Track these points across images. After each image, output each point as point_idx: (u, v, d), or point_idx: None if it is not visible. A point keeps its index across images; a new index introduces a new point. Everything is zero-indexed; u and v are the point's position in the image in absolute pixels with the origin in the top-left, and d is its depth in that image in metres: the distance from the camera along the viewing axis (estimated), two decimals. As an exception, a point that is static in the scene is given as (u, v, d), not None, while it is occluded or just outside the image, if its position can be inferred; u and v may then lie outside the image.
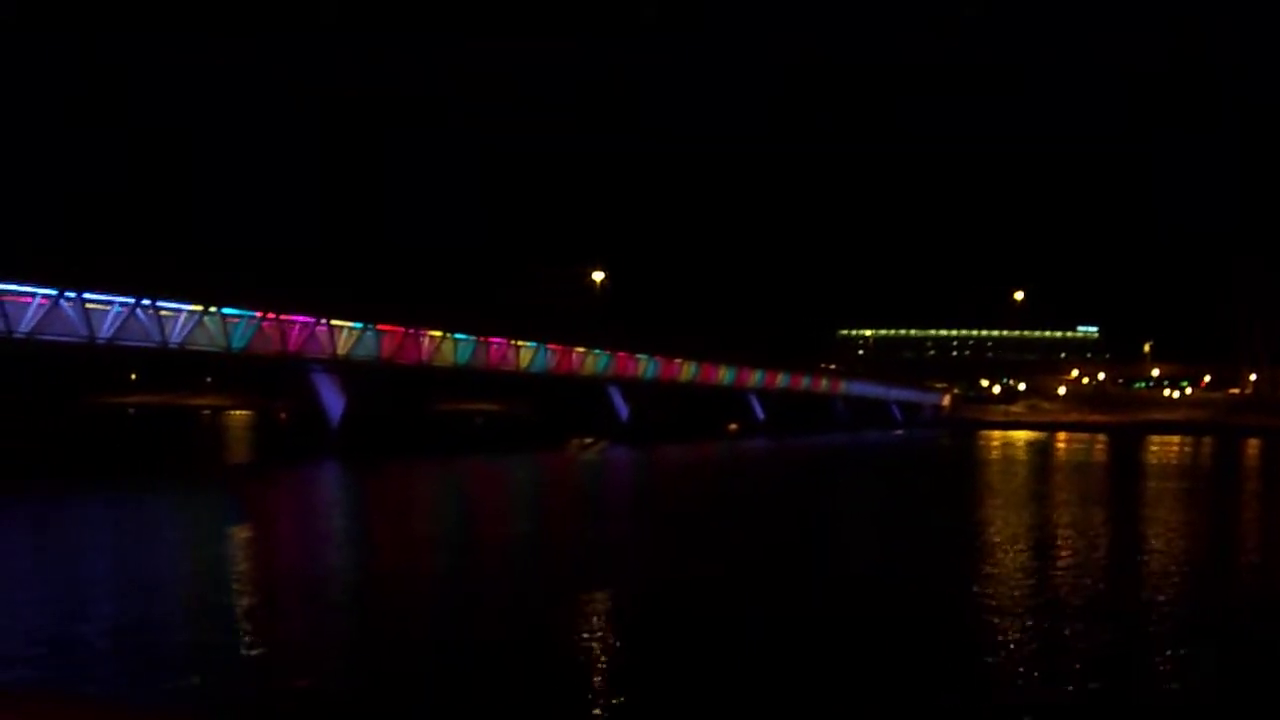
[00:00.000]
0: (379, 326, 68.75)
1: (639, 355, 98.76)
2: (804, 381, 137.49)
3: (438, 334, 74.79)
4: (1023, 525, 34.99)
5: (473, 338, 77.21)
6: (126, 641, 17.02)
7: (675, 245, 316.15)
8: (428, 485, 50.94)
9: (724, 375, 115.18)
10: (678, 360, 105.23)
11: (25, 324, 49.54)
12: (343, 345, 66.59)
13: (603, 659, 16.73)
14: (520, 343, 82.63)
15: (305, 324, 63.66)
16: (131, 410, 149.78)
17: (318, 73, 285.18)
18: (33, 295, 49.87)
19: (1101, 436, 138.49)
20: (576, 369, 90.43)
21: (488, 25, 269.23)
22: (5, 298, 48.67)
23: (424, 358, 73.33)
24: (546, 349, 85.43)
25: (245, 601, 20.54)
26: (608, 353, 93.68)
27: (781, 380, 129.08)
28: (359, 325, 67.22)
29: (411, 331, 71.54)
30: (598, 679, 15.57)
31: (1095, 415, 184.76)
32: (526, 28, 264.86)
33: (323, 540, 29.88)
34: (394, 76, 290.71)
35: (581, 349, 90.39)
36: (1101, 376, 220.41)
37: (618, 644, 17.73)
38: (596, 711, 14.09)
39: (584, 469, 64.19)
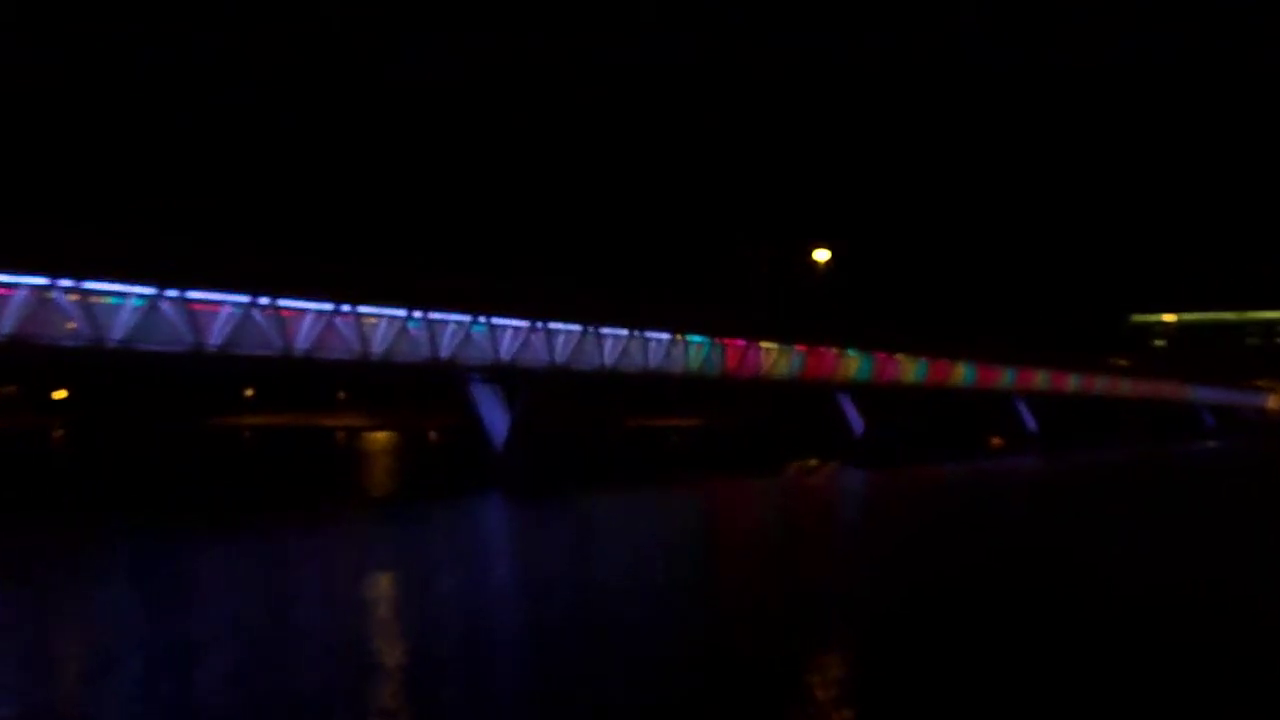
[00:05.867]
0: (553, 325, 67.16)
1: (902, 356, 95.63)
2: (1099, 384, 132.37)
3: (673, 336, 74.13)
4: None
5: (669, 336, 75.12)
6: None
7: (910, 215, 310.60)
8: (618, 526, 47.96)
9: (1004, 378, 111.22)
10: (949, 361, 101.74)
11: (117, 331, 48.67)
12: (507, 349, 65.05)
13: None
14: (759, 343, 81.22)
15: (461, 323, 62.33)
16: (246, 433, 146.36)
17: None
18: (125, 296, 48.99)
19: None
20: (827, 374, 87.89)
21: None
22: (91, 299, 47.83)
23: (607, 362, 71.48)
24: (793, 350, 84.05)
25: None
26: (867, 353, 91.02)
27: (1073, 383, 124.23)
28: (526, 323, 65.65)
29: (592, 329, 69.80)
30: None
31: None
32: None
33: (525, 596, 29.66)
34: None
35: (834, 349, 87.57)
36: None
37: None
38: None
39: (816, 501, 60.77)
